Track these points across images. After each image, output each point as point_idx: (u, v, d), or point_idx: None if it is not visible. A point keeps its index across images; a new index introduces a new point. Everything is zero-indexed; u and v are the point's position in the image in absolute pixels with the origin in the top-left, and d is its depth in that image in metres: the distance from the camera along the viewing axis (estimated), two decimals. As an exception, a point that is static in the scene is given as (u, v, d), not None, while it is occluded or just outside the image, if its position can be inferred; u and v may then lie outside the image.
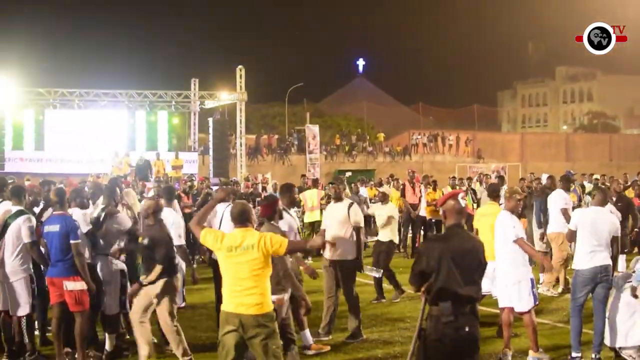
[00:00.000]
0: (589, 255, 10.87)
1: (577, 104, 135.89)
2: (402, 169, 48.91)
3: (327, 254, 12.67)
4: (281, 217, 10.30)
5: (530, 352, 11.00)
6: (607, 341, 11.01)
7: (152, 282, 10.42)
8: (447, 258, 7.17)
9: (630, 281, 11.33)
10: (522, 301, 11.02)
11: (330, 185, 13.54)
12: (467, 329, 7.13)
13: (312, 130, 56.63)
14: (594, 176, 26.31)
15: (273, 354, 8.13)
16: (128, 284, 11.59)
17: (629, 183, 26.47)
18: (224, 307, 8.26)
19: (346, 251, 12.52)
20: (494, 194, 13.44)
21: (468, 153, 75.88)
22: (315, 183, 26.52)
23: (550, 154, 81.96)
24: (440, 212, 7.89)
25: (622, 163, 73.61)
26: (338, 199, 13.02)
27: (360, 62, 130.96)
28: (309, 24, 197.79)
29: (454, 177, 28.18)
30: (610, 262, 10.95)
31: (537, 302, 11.18)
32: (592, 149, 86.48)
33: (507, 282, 11.09)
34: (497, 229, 11.39)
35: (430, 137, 74.72)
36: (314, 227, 22.95)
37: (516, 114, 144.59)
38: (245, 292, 8.08)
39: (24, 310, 11.05)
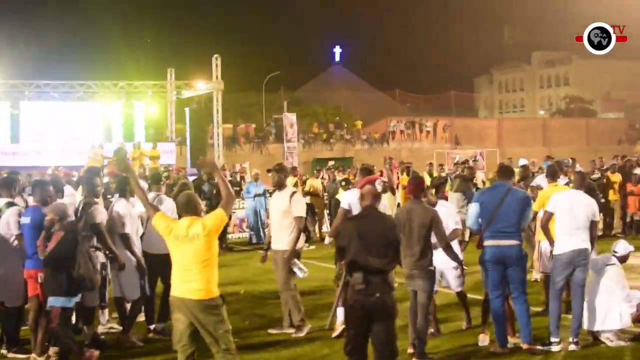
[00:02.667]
0: (567, 239, 10.88)
1: (554, 88, 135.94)
2: (380, 156, 48.85)
3: (273, 244, 12.45)
4: (425, 196, 10.95)
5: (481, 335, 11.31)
6: (585, 325, 11.06)
7: None
8: (355, 235, 8.31)
9: (611, 264, 11.40)
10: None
11: (271, 172, 13.22)
12: (377, 295, 8.20)
13: (290, 119, 56.51)
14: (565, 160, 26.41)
15: (222, 338, 8.36)
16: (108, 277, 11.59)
17: (605, 167, 26.57)
18: (172, 292, 8.54)
19: (287, 241, 12.14)
20: (554, 175, 13.71)
21: (446, 139, 75.94)
22: (293, 171, 26.61)
23: (527, 139, 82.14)
24: (358, 194, 9.07)
25: (599, 147, 73.87)
26: (280, 187, 12.54)
27: (337, 50, 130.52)
28: (285, 11, 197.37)
29: (431, 164, 28.25)
30: (588, 245, 10.97)
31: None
32: (569, 134, 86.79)
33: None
34: None
35: (407, 124, 74.69)
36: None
37: (493, 100, 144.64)
38: (190, 279, 8.35)
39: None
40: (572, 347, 10.74)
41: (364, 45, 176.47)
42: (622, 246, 11.87)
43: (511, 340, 10.86)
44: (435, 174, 25.20)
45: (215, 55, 43.91)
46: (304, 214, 12.37)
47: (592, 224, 11.06)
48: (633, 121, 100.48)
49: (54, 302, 10.10)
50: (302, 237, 12.63)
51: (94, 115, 42.78)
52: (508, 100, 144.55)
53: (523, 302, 10.76)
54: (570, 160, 23.68)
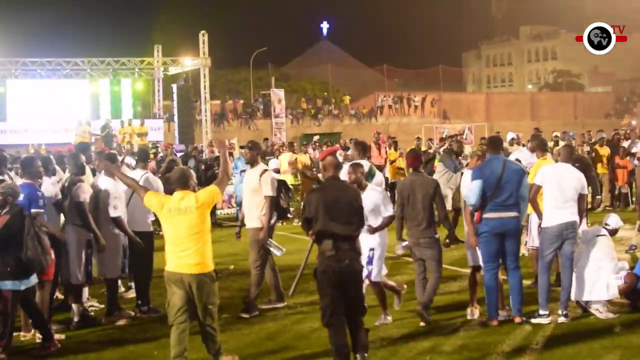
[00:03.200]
0: (556, 212, 10.88)
1: (542, 62, 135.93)
2: (369, 131, 48.86)
3: (245, 222, 12.23)
4: (425, 168, 11.25)
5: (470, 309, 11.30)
6: (572, 295, 11.08)
7: None
8: (321, 205, 8.53)
9: (602, 234, 11.44)
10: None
11: (243, 149, 13.14)
12: (347, 262, 8.48)
13: (278, 95, 56.46)
14: (554, 133, 26.45)
15: (209, 313, 8.64)
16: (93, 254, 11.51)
17: (593, 140, 26.60)
18: (167, 268, 8.64)
19: (256, 219, 11.93)
20: (543, 147, 13.85)
21: (434, 114, 75.89)
22: (290, 147, 26.49)
23: (515, 113, 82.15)
24: (321, 166, 9.28)
25: (587, 121, 73.97)
26: (252, 164, 12.25)
27: (325, 25, 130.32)
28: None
29: (419, 138, 28.27)
30: (577, 218, 10.95)
31: None
32: (557, 108, 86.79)
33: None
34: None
35: (395, 99, 74.59)
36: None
37: (481, 74, 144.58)
38: (184, 252, 8.48)
39: None
40: (562, 319, 10.76)
41: (351, 21, 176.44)
42: (614, 219, 11.97)
43: (501, 313, 10.88)
44: (423, 149, 25.18)
45: (202, 32, 43.78)
46: (272, 193, 11.88)
47: (581, 197, 11.05)
48: (620, 95, 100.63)
49: (3, 285, 9.87)
50: (274, 216, 12.22)
51: (81, 93, 42.73)
52: (496, 74, 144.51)
53: (518, 275, 10.87)
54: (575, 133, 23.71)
